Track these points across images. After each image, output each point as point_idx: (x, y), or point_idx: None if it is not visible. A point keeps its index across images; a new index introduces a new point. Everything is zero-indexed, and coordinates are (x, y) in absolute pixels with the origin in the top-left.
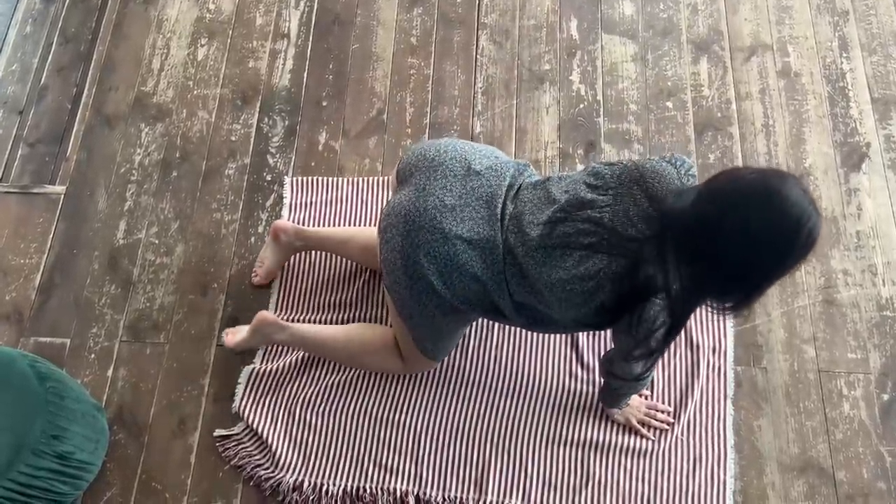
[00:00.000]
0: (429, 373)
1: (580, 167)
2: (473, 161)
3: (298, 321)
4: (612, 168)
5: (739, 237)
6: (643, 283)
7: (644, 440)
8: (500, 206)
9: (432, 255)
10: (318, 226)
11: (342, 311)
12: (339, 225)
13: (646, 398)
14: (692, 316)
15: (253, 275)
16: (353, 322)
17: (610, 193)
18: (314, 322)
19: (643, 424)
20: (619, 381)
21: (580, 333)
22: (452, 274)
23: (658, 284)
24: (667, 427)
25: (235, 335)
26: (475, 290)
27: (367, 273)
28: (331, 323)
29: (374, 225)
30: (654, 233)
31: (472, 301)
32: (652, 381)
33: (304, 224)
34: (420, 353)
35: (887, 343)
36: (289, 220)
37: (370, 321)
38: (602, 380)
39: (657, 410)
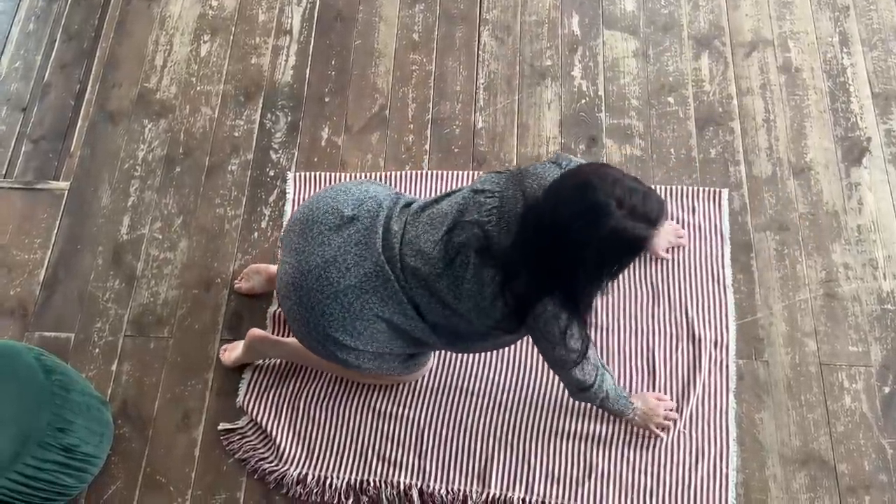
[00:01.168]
0: (431, 367)
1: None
2: (344, 207)
3: None
4: (498, 175)
5: (550, 224)
6: (521, 287)
7: (646, 432)
8: (378, 239)
9: (328, 314)
10: None
11: None
12: None
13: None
14: (694, 310)
15: (237, 280)
16: None
17: (496, 196)
18: None
19: (661, 428)
20: (584, 393)
21: None
22: (355, 323)
23: (534, 287)
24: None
25: (231, 352)
26: (383, 331)
27: None
28: None
29: None
30: (518, 233)
31: (385, 342)
32: (654, 375)
33: None
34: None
35: (888, 336)
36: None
37: None
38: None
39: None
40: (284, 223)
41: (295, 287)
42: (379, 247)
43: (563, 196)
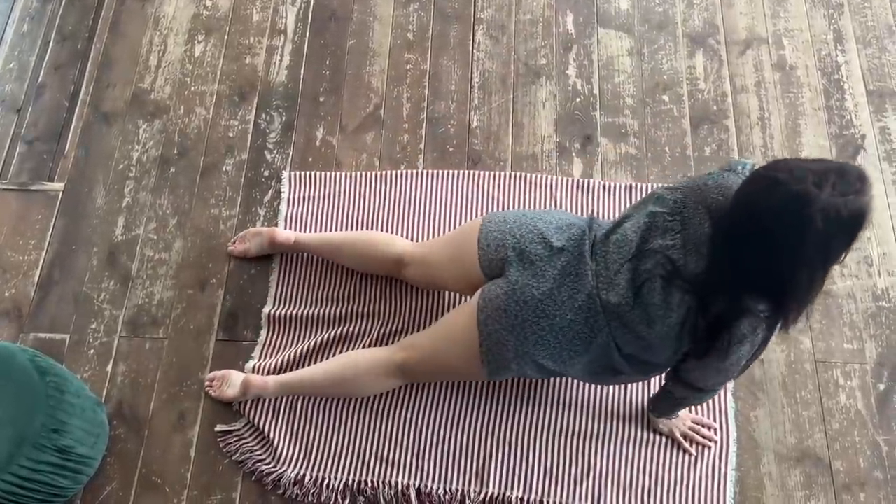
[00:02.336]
0: None
1: (577, 161)
2: (552, 237)
3: (298, 315)
4: (674, 193)
5: (750, 237)
6: (717, 311)
7: (646, 431)
8: (589, 272)
9: (542, 344)
10: (316, 220)
11: (341, 305)
12: (336, 220)
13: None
14: None
15: (231, 242)
16: (352, 316)
17: (677, 219)
18: (313, 315)
19: (686, 438)
20: (687, 390)
21: None
22: (563, 353)
23: (734, 308)
24: (710, 444)
25: (224, 389)
26: (585, 360)
27: None
28: (330, 316)
29: (372, 220)
30: (712, 255)
31: (581, 367)
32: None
33: (302, 219)
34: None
35: (883, 333)
36: (288, 212)
37: (368, 315)
38: (661, 388)
39: (702, 426)
40: (280, 223)
41: (507, 314)
42: (591, 278)
43: (754, 203)
